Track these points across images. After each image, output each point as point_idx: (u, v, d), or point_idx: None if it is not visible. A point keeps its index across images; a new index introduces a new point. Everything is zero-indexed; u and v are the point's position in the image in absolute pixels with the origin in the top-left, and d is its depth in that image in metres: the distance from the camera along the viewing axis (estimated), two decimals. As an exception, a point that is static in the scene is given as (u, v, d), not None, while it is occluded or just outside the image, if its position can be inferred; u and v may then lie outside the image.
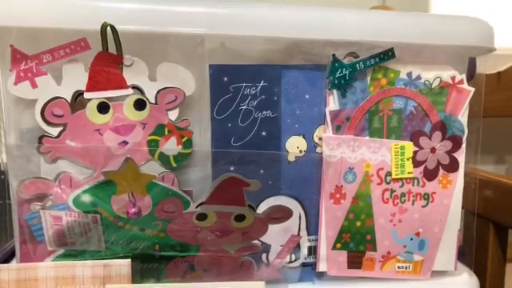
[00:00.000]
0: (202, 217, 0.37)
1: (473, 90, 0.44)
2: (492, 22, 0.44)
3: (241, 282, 0.39)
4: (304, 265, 0.44)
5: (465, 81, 0.44)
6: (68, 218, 0.35)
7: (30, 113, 0.38)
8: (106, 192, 0.36)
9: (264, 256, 0.43)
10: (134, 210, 0.35)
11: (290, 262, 0.43)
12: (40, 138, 0.38)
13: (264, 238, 0.42)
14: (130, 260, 0.37)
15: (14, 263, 0.39)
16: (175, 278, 0.39)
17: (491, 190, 0.61)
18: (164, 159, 0.39)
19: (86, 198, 0.35)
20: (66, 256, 0.38)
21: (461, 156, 0.45)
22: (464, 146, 0.44)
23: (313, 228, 0.44)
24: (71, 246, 0.37)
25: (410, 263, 0.45)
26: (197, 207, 0.36)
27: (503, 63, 1.04)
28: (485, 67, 0.47)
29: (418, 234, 0.45)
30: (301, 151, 0.42)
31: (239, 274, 0.40)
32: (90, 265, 0.37)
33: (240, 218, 0.38)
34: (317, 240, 0.44)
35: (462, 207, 0.48)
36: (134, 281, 0.38)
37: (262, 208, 0.41)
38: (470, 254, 0.54)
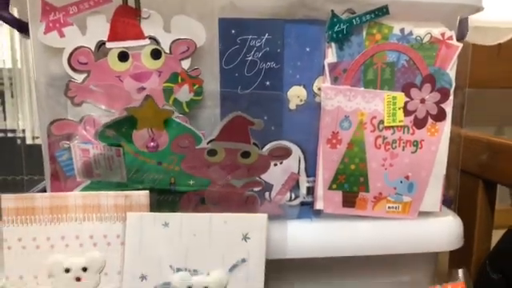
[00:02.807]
0: (212, 153, 0.42)
1: (461, 45, 0.47)
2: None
3: (246, 213, 0.44)
4: (303, 204, 0.49)
5: (454, 37, 0.47)
6: (94, 151, 0.40)
7: (58, 60, 0.43)
8: (128, 127, 0.40)
9: (267, 194, 0.48)
10: (152, 144, 0.40)
11: (290, 200, 0.48)
12: (67, 84, 0.43)
13: (267, 178, 0.47)
14: (148, 191, 0.42)
15: (47, 193, 0.44)
16: (188, 210, 0.44)
17: (482, 149, 0.65)
18: (177, 104, 0.44)
19: (110, 133, 0.40)
20: (92, 187, 0.43)
21: (448, 107, 0.48)
22: (451, 97, 0.48)
23: (311, 170, 0.48)
24: (97, 178, 0.42)
25: (399, 204, 0.50)
26: (208, 143, 0.41)
27: (504, 36, 1.06)
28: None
29: (407, 178, 0.49)
30: (301, 100, 0.47)
31: (244, 208, 0.45)
32: (112, 195, 0.43)
33: (246, 154, 0.42)
34: (314, 181, 0.48)
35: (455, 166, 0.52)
36: (151, 210, 0.43)
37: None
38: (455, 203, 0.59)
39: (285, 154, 0.44)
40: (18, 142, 1.26)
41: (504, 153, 0.62)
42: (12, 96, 1.29)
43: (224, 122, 0.40)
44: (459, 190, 0.57)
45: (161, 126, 0.41)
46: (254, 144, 0.42)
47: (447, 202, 0.56)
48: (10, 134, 1.28)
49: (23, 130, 1.27)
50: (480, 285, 0.61)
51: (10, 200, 0.42)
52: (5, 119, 1.30)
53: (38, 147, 0.45)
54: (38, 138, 1.26)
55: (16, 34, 1.35)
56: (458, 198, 0.58)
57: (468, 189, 0.66)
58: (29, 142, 1.23)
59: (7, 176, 1.15)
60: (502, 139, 0.64)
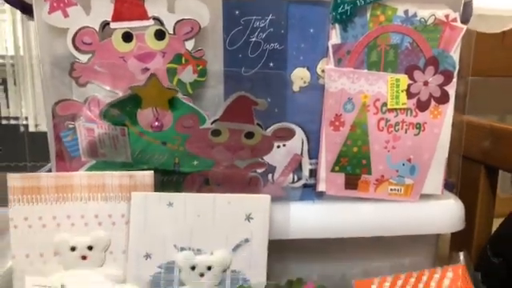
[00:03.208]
0: (216, 133, 0.42)
1: (465, 27, 0.47)
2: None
3: (249, 194, 0.44)
4: (305, 186, 0.49)
5: (458, 19, 0.47)
6: (99, 130, 0.40)
7: (62, 41, 0.43)
8: (132, 106, 0.41)
9: (270, 176, 0.48)
10: (157, 123, 0.40)
11: (293, 182, 0.48)
12: (72, 64, 0.43)
13: (270, 160, 0.47)
14: (152, 172, 0.43)
15: (52, 173, 0.44)
16: (191, 191, 0.45)
17: (484, 135, 0.65)
18: (181, 85, 0.44)
19: (115, 112, 0.40)
20: (97, 167, 0.43)
21: (451, 89, 0.48)
22: (455, 80, 0.48)
23: (314, 152, 0.49)
24: (102, 157, 0.42)
25: (401, 186, 0.50)
26: (212, 123, 0.41)
27: (508, 23, 1.05)
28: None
29: (409, 160, 0.49)
30: (305, 82, 0.47)
31: (248, 190, 0.45)
32: (117, 175, 0.43)
33: (249, 135, 0.42)
34: (317, 163, 0.49)
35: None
36: (155, 191, 0.43)
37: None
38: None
39: (288, 134, 0.44)
40: (21, 129, 1.27)
41: (506, 138, 0.62)
42: (15, 84, 1.30)
43: (228, 102, 0.41)
44: (461, 176, 0.58)
45: (165, 106, 0.41)
46: (258, 125, 0.42)
47: (449, 186, 0.56)
48: (13, 122, 1.29)
49: (26, 118, 1.28)
50: (481, 269, 0.62)
51: (16, 179, 0.42)
52: (8, 107, 1.30)
53: (40, 134, 0.46)
54: (40, 125, 1.27)
55: (18, 21, 1.35)
56: (459, 184, 0.59)
57: (470, 174, 0.66)
58: (32, 129, 1.24)
59: (10, 162, 1.16)
60: (505, 125, 0.64)
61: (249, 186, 0.46)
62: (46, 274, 0.42)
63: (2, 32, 1.27)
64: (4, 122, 1.30)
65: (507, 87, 1.38)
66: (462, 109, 0.53)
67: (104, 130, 0.41)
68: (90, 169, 0.43)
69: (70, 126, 0.43)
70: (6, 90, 1.32)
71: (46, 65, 0.44)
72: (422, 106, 0.48)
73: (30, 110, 1.27)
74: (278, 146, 0.47)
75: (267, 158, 0.47)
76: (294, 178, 0.48)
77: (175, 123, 0.42)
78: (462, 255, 0.52)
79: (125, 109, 0.41)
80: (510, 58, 1.31)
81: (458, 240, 0.66)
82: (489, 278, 0.59)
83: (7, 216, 0.43)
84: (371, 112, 0.48)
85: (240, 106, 0.41)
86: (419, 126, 0.49)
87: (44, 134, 0.45)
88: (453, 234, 0.68)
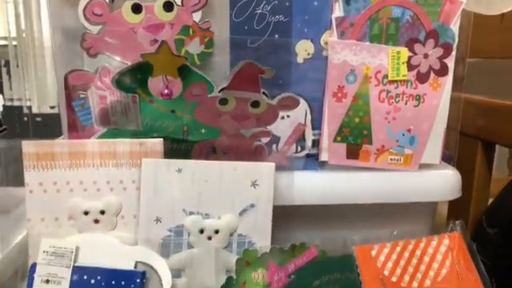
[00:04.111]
0: (223, 102, 0.44)
1: (464, 1, 0.49)
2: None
3: (254, 162, 0.46)
4: (308, 156, 0.51)
5: (458, -7, 0.49)
6: (111, 98, 0.42)
7: (73, 12, 0.44)
8: (143, 74, 0.42)
9: (274, 146, 0.50)
10: (166, 91, 0.42)
11: (296, 152, 0.50)
12: (82, 35, 0.44)
13: (274, 131, 0.49)
14: (162, 139, 0.44)
15: (65, 140, 0.46)
16: (199, 159, 0.46)
17: (481, 111, 0.67)
18: (189, 57, 0.45)
19: (127, 79, 0.42)
20: (108, 136, 0.45)
21: (451, 62, 0.50)
22: (454, 52, 0.50)
23: (317, 123, 0.50)
24: (113, 125, 0.44)
25: (401, 156, 0.52)
26: (219, 92, 0.43)
27: (507, 5, 1.06)
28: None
29: (409, 131, 0.51)
30: (308, 54, 0.48)
31: (253, 158, 0.47)
32: (128, 142, 0.45)
33: (255, 104, 0.44)
34: (320, 134, 0.50)
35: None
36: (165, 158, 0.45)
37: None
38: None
39: (293, 103, 0.46)
40: (25, 110, 1.28)
41: (503, 114, 0.64)
42: (17, 66, 1.30)
43: (235, 70, 0.42)
44: (459, 151, 0.60)
45: (175, 74, 0.42)
46: (264, 94, 0.44)
47: (447, 158, 0.58)
48: (16, 103, 1.30)
49: (29, 99, 1.29)
50: (476, 239, 0.64)
51: (30, 145, 0.44)
52: (11, 88, 1.31)
53: (44, 116, 0.47)
54: (43, 107, 1.28)
55: (20, 2, 1.36)
56: (457, 159, 0.60)
57: (467, 150, 0.68)
58: (35, 110, 1.25)
59: (15, 143, 1.17)
60: (500, 100, 0.66)
61: (254, 154, 0.47)
62: (61, 236, 0.44)
63: (4, 14, 1.28)
64: (8, 103, 1.32)
65: (506, 69, 1.40)
66: (460, 90, 0.54)
67: (116, 97, 0.42)
68: (101, 137, 0.45)
69: (82, 95, 0.44)
70: (8, 72, 1.33)
71: (57, 36, 0.45)
72: (422, 78, 0.50)
73: (34, 92, 1.28)
74: (283, 117, 0.49)
75: (272, 129, 0.49)
76: (297, 148, 0.50)
77: (184, 91, 0.43)
78: (458, 223, 0.54)
79: (136, 76, 0.42)
80: (508, 40, 1.32)
81: (455, 212, 0.68)
82: (484, 247, 0.61)
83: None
84: (373, 84, 0.49)
85: (247, 74, 0.42)
86: (419, 98, 0.50)
87: (47, 115, 0.46)
88: (450, 206, 0.71)
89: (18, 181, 0.46)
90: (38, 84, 1.27)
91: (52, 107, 1.27)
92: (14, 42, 1.30)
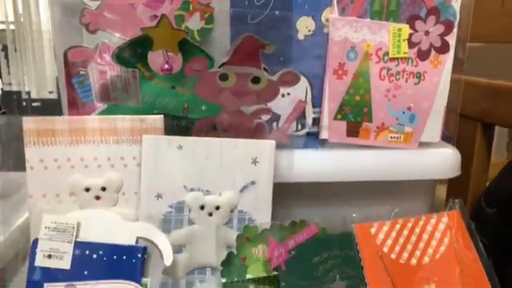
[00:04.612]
0: (223, 77, 0.43)
1: (466, -23, 0.48)
2: None
3: (255, 139, 0.46)
4: (308, 134, 0.51)
5: (459, -31, 0.48)
6: (111, 73, 0.42)
7: (72, -12, 0.44)
8: (143, 48, 0.42)
9: (274, 124, 0.50)
10: (167, 66, 0.41)
11: (297, 130, 0.50)
12: (82, 10, 0.44)
13: (275, 109, 0.49)
14: (162, 116, 0.44)
15: (66, 116, 0.46)
16: (200, 136, 0.46)
17: (481, 91, 0.67)
18: (189, 33, 0.45)
19: (127, 54, 0.42)
20: (108, 112, 0.45)
21: (452, 39, 0.50)
22: (455, 30, 0.50)
23: (317, 101, 0.50)
24: (113, 101, 0.44)
25: (401, 134, 0.52)
26: (220, 67, 0.42)
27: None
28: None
29: (409, 109, 0.51)
30: (309, 31, 0.48)
31: (253, 136, 0.47)
32: (128, 119, 0.45)
33: (256, 80, 0.44)
34: (320, 112, 0.50)
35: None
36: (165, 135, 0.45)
37: (274, 80, 0.47)
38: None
39: (294, 79, 0.45)
40: (24, 95, 1.28)
41: (503, 95, 0.64)
42: (15, 50, 1.30)
43: (236, 44, 0.42)
44: (458, 133, 0.60)
45: (175, 48, 0.42)
46: (265, 70, 0.44)
47: (446, 138, 0.58)
48: (15, 88, 1.30)
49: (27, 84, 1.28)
50: (475, 218, 0.64)
51: (30, 122, 0.44)
52: (9, 73, 1.31)
53: (42, 101, 0.47)
54: (41, 92, 1.28)
55: (17, -14, 1.34)
56: (456, 140, 0.61)
57: (467, 131, 0.68)
58: (34, 95, 1.25)
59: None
60: (501, 81, 0.66)
61: (254, 132, 0.47)
62: (63, 213, 0.44)
63: (1, -2, 1.27)
64: (6, 88, 1.31)
65: (507, 54, 1.39)
66: (461, 72, 0.54)
67: (116, 72, 0.42)
68: (102, 114, 0.45)
69: (82, 72, 0.44)
70: (7, 56, 1.32)
71: (56, 12, 0.45)
72: (423, 56, 0.50)
73: (32, 76, 1.27)
74: (283, 95, 0.49)
75: (272, 107, 0.48)
76: (297, 126, 0.50)
77: (184, 66, 0.43)
78: (457, 202, 0.55)
79: (136, 51, 0.42)
80: (509, 24, 1.31)
81: (454, 192, 0.68)
82: (483, 227, 0.61)
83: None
84: (373, 61, 0.49)
85: (248, 48, 0.42)
86: (419, 75, 0.50)
87: (45, 100, 0.46)
88: (449, 187, 0.71)
89: (19, 165, 0.46)
90: (36, 68, 1.27)
91: (50, 92, 1.26)
92: (12, 27, 1.29)
